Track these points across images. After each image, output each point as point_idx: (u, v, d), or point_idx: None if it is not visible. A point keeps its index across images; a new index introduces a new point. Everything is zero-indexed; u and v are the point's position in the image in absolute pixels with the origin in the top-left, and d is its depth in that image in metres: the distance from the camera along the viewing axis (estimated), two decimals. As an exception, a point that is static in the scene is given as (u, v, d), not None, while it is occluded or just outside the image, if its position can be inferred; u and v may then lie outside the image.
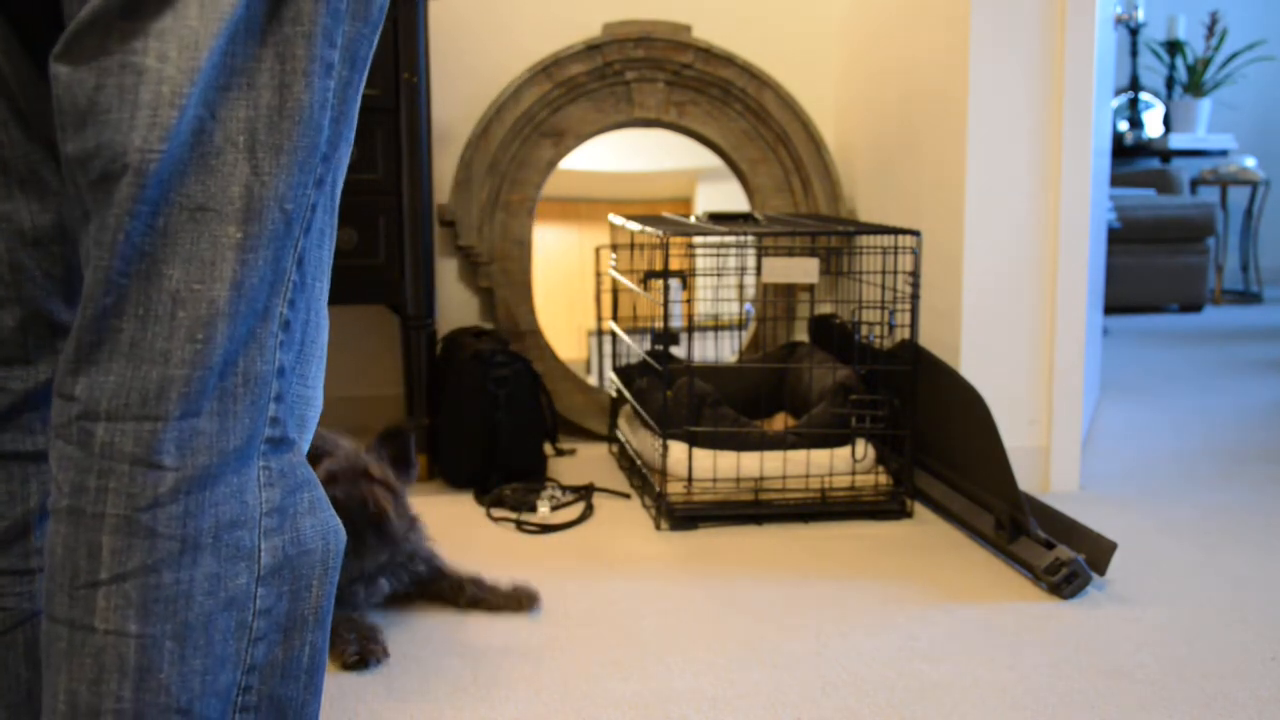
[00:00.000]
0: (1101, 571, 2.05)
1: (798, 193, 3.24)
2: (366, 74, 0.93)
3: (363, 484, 1.74)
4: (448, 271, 3.18)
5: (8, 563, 1.04)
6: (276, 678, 0.92)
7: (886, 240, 2.47)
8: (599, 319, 3.12)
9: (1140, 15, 6.15)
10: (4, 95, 0.96)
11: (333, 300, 2.80)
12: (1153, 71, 6.60)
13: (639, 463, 2.64)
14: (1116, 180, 5.77)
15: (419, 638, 1.84)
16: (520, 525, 2.39)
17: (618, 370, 2.96)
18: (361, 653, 1.69)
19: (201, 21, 0.80)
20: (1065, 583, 1.98)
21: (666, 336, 2.49)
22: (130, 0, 0.79)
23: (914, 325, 2.40)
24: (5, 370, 1.00)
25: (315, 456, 1.72)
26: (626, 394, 2.77)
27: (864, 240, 2.61)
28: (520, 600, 1.75)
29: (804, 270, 2.49)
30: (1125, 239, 5.37)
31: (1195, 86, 6.33)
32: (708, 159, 3.28)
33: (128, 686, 0.84)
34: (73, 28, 0.81)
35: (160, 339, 0.83)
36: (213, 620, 0.87)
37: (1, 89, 0.96)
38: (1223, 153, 6.32)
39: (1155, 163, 6.36)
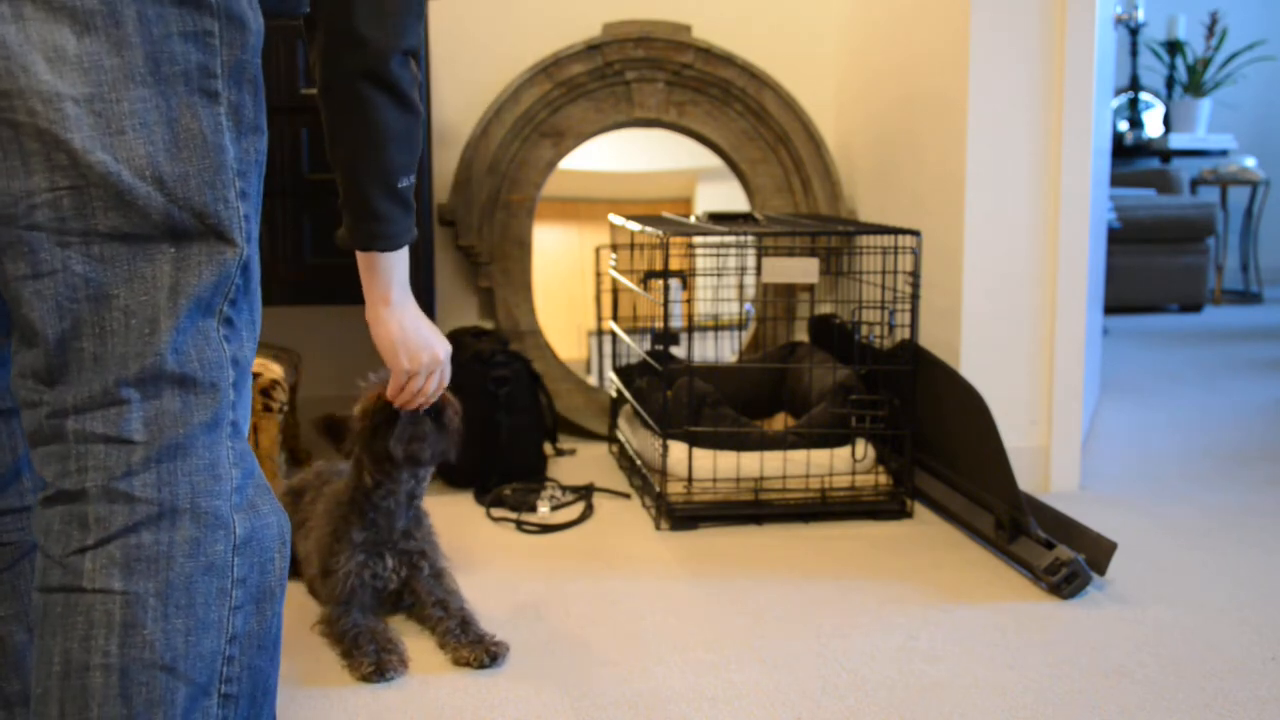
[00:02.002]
0: (1101, 571, 2.05)
1: (798, 193, 3.24)
2: (257, 81, 1.02)
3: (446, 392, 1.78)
4: (448, 271, 3.18)
5: (6, 502, 1.14)
6: (254, 648, 0.99)
7: (886, 240, 2.47)
8: (599, 319, 3.12)
9: (1140, 15, 6.15)
10: None
11: (333, 300, 2.82)
12: (1153, 71, 6.60)
13: (639, 463, 2.64)
14: (1116, 180, 5.77)
15: (414, 634, 1.84)
16: (520, 525, 2.39)
17: (618, 370, 2.96)
18: (378, 665, 1.68)
19: (55, 76, 0.89)
20: (1065, 583, 1.98)
21: (666, 336, 2.49)
22: None
23: (914, 325, 2.40)
24: None
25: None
26: (626, 394, 2.77)
27: (864, 240, 2.61)
28: (480, 656, 1.73)
29: (804, 270, 2.49)
30: (1125, 239, 5.37)
31: (1195, 86, 6.33)
32: (708, 159, 3.28)
33: (114, 641, 0.91)
34: None
35: (119, 346, 0.93)
36: (194, 582, 0.94)
37: None
38: (1223, 153, 6.32)
39: (1155, 163, 6.37)
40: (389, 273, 1.44)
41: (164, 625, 0.92)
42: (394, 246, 1.37)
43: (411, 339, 1.53)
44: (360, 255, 1.41)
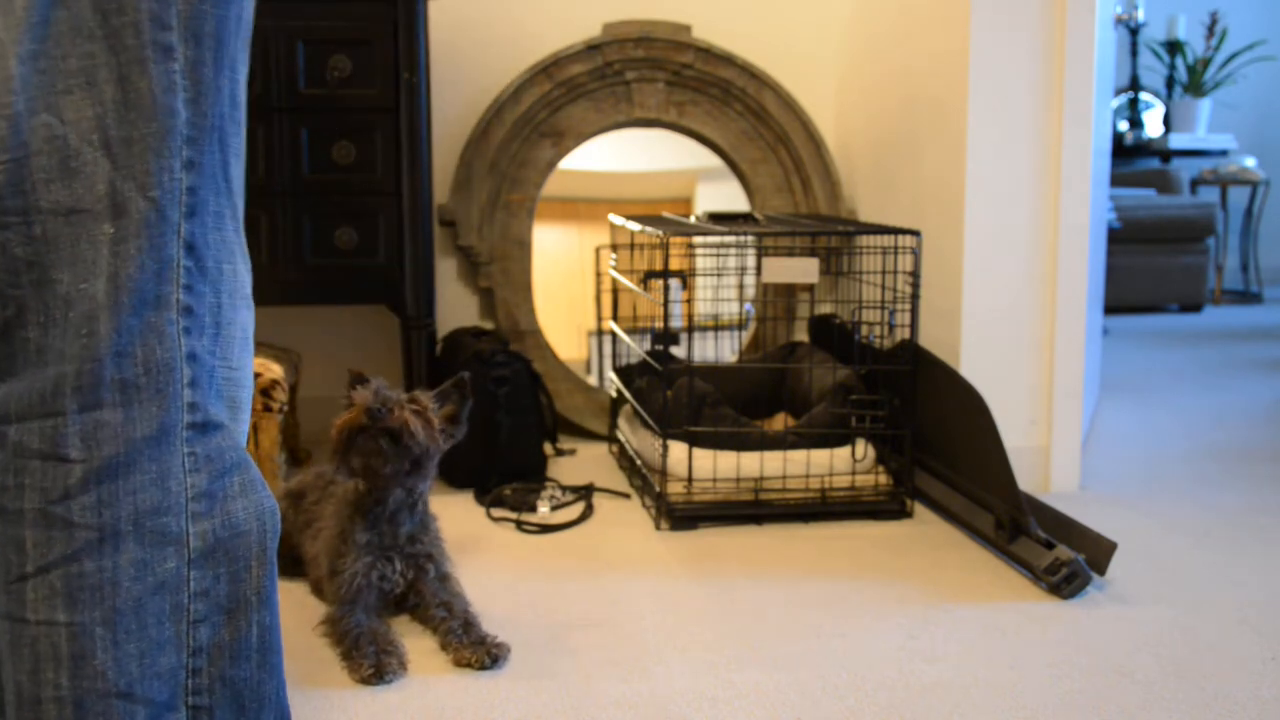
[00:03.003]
0: (1101, 571, 2.04)
1: (798, 193, 3.24)
2: (235, 47, 0.93)
3: (396, 399, 1.79)
4: (448, 271, 3.18)
5: None
6: (226, 660, 0.94)
7: (886, 240, 2.47)
8: (599, 319, 3.12)
9: (1140, 15, 6.15)
10: None
11: (333, 300, 2.82)
12: (1153, 71, 6.60)
13: (639, 463, 2.64)
14: (1116, 180, 5.77)
15: (417, 635, 1.84)
16: (520, 525, 2.39)
17: (618, 370, 2.96)
18: (377, 667, 1.68)
19: (3, 31, 0.83)
20: (1065, 583, 1.98)
21: (666, 336, 2.49)
22: None
23: (914, 325, 2.40)
24: None
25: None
26: (626, 394, 2.77)
27: (864, 240, 2.61)
28: (482, 658, 1.73)
29: (804, 270, 2.49)
30: (1125, 239, 5.37)
31: (1195, 86, 6.33)
32: (708, 159, 3.28)
33: (64, 674, 0.87)
34: None
35: (58, 339, 0.87)
36: (143, 605, 0.89)
37: None
38: (1223, 153, 6.32)
39: (1155, 163, 6.37)
40: None
41: (114, 652, 0.88)
42: None
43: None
44: None
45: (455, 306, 3.20)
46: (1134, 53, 6.35)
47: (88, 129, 0.85)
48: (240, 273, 0.98)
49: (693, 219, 2.83)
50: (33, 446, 0.87)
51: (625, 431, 2.80)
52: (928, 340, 2.66)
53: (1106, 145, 3.21)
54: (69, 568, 0.87)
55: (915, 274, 2.40)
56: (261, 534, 0.97)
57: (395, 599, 1.88)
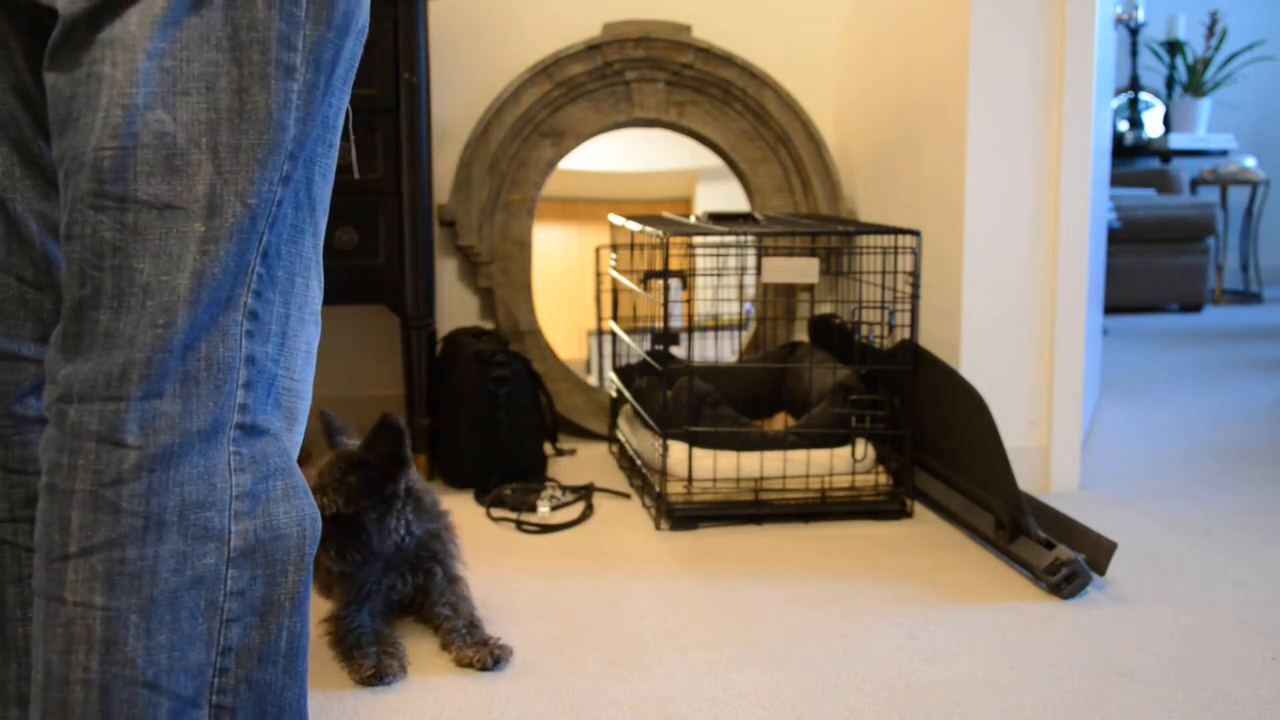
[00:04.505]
0: (1101, 571, 2.04)
1: (798, 193, 3.24)
2: (343, 77, 0.98)
3: (322, 484, 1.75)
4: (448, 271, 3.18)
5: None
6: (254, 661, 0.95)
7: (886, 240, 2.47)
8: (599, 319, 3.12)
9: (1140, 15, 6.15)
10: (31, 110, 1.05)
11: (332, 300, 2.80)
12: (1153, 71, 6.60)
13: (639, 463, 2.64)
14: (1116, 180, 5.77)
15: (421, 636, 1.84)
16: (520, 525, 2.39)
17: (618, 370, 2.96)
18: (378, 669, 1.68)
19: (139, 26, 0.87)
20: (1065, 583, 1.98)
21: (666, 336, 2.49)
22: (93, 12, 0.87)
23: (914, 325, 2.40)
24: (44, 346, 1.09)
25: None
26: (626, 394, 2.77)
27: (864, 240, 2.61)
28: (484, 658, 1.73)
29: (804, 270, 2.49)
30: (1125, 239, 5.37)
31: (1195, 86, 6.32)
32: (708, 159, 3.28)
33: (94, 658, 0.88)
34: (54, 40, 0.88)
35: (129, 326, 0.89)
36: (179, 597, 0.90)
37: (30, 104, 1.05)
38: (1223, 153, 6.32)
39: (1155, 163, 6.36)
40: None
41: (146, 642, 0.89)
42: None
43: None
44: None
45: (455, 306, 3.20)
46: (1134, 53, 6.35)
47: (198, 132, 0.89)
48: (313, 289, 1.01)
49: (693, 219, 2.83)
50: (91, 428, 0.89)
51: (625, 431, 2.80)
52: (928, 340, 2.66)
53: (1106, 145, 3.21)
54: (111, 552, 0.89)
55: (915, 274, 2.40)
56: (301, 540, 0.98)
57: (402, 605, 1.88)
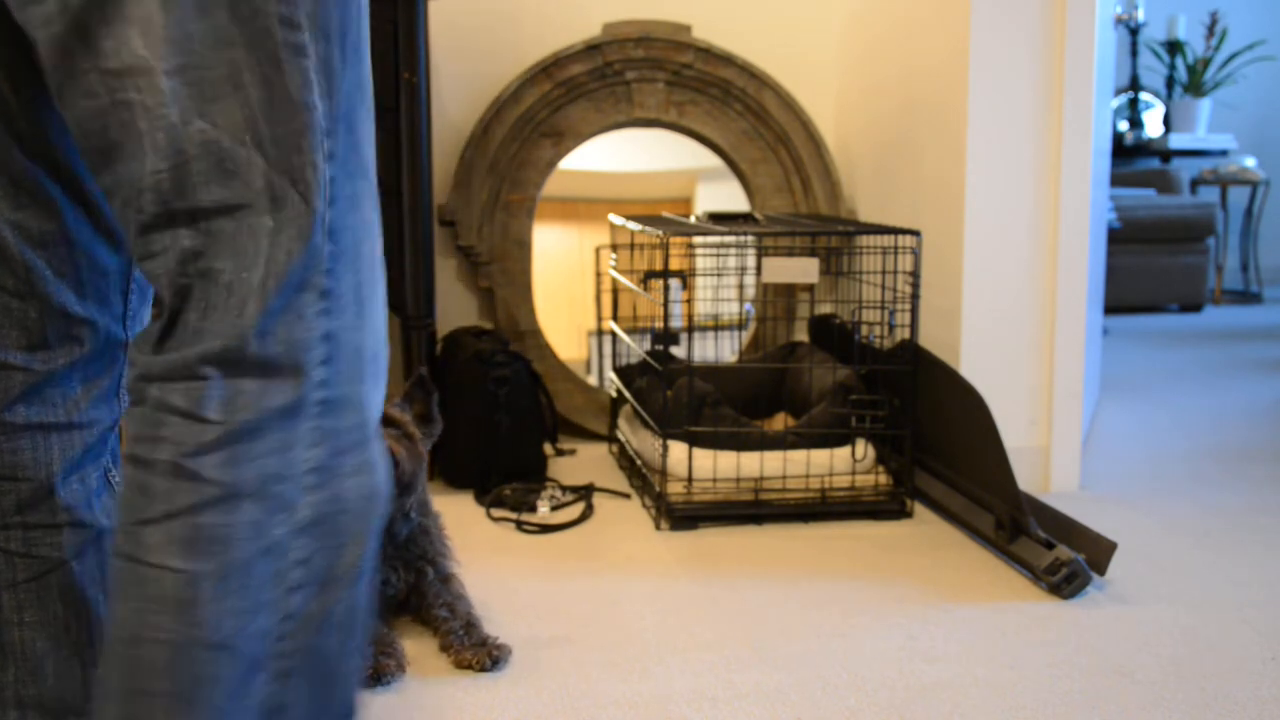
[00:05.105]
0: (1101, 571, 2.04)
1: (798, 193, 3.24)
2: (356, 43, 0.98)
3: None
4: (448, 271, 3.18)
5: (38, 518, 1.15)
6: (312, 629, 0.98)
7: (886, 240, 2.47)
8: (599, 319, 3.12)
9: (1140, 15, 6.15)
10: (5, 118, 1.06)
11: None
12: (1153, 71, 6.60)
13: (639, 463, 2.64)
14: (1116, 180, 5.77)
15: (421, 637, 1.84)
16: (520, 525, 2.39)
17: (618, 370, 2.96)
18: (376, 670, 1.67)
19: (148, 46, 0.88)
20: (1065, 583, 1.98)
21: (666, 336, 2.49)
22: (78, 30, 0.88)
23: (914, 325, 2.40)
24: (30, 354, 1.12)
25: None
26: (626, 394, 2.77)
27: (864, 240, 2.61)
28: (483, 659, 1.73)
29: (804, 270, 2.49)
30: (1125, 239, 5.36)
31: (1195, 86, 6.32)
32: (708, 159, 3.28)
33: (168, 617, 0.92)
34: (53, 78, 0.90)
35: (216, 322, 0.93)
36: (252, 565, 0.94)
37: (4, 112, 1.05)
38: (1223, 153, 6.32)
39: (1155, 163, 6.36)
40: None
41: (218, 605, 0.93)
42: None
43: None
44: None
45: (455, 306, 3.20)
46: (1134, 53, 6.35)
47: (239, 131, 0.91)
48: (378, 250, 1.03)
49: (693, 219, 2.83)
50: (174, 404, 0.93)
51: (625, 431, 2.80)
52: (928, 340, 2.66)
53: (1106, 145, 3.21)
54: (191, 518, 0.92)
55: (915, 274, 2.40)
56: (365, 515, 1.00)
57: (397, 603, 1.88)
